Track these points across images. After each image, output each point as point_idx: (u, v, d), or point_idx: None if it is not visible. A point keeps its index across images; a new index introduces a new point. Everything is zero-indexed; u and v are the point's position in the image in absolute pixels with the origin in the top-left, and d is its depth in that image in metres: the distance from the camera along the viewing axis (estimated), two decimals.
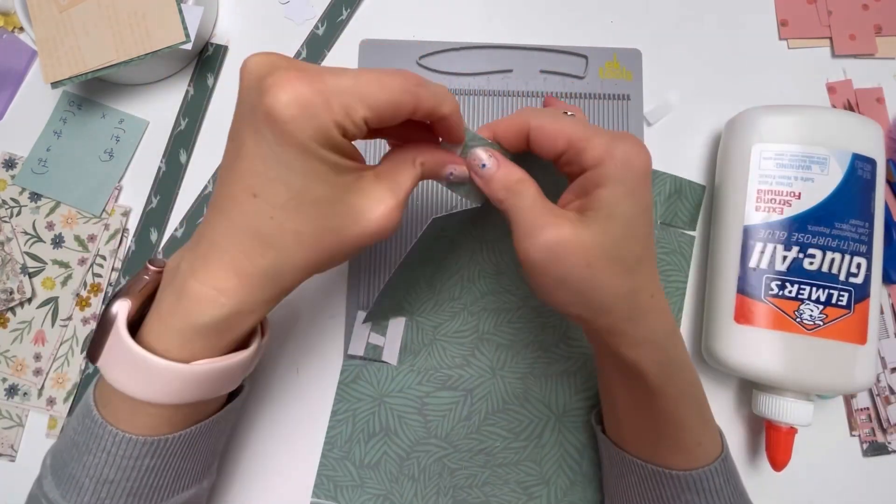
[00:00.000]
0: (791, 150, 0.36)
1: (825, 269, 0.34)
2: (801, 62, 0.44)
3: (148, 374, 0.23)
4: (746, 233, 0.36)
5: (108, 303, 0.25)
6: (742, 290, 0.36)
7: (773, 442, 0.36)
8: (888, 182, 0.42)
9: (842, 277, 0.34)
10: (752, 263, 0.36)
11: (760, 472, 0.39)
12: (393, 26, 0.44)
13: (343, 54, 0.44)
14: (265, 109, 0.21)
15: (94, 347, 0.25)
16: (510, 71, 0.43)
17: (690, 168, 0.43)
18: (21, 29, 0.44)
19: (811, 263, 0.35)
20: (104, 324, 0.24)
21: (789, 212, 0.35)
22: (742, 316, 0.35)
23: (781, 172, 0.36)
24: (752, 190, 0.36)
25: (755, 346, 0.35)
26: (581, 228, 0.25)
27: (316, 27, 0.44)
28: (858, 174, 0.35)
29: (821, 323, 0.34)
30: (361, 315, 0.39)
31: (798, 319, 0.34)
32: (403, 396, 0.38)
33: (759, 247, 0.36)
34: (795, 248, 0.35)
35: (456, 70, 0.43)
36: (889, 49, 0.44)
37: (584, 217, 0.25)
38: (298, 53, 0.44)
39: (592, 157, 0.25)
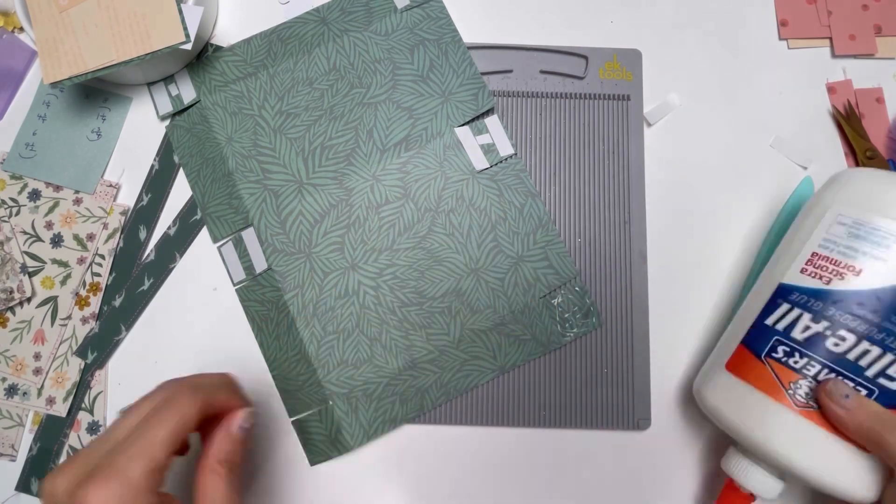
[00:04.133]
0: (876, 222, 0.31)
1: (852, 357, 0.30)
2: (801, 62, 0.44)
3: None
4: (779, 290, 0.33)
5: None
6: (746, 341, 0.33)
7: (726, 501, 0.34)
8: None
9: (870, 373, 0.29)
10: (770, 321, 0.33)
11: None
12: None
13: None
14: None
15: None
16: (510, 71, 0.43)
17: (691, 165, 0.43)
18: (21, 29, 0.44)
19: (837, 345, 0.30)
20: None
21: (838, 285, 0.31)
22: (734, 366, 0.33)
23: (850, 243, 0.31)
24: (807, 251, 0.33)
25: (736, 401, 0.32)
26: None
27: None
28: None
29: (815, 405, 0.30)
30: (222, 247, 0.41)
31: (790, 391, 0.30)
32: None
33: (784, 308, 0.32)
34: (824, 324, 0.31)
35: None
36: (889, 49, 0.44)
37: None
38: None
39: None
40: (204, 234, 0.42)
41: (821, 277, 0.32)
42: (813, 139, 0.43)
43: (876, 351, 0.29)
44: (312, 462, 0.39)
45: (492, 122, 0.42)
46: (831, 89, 0.44)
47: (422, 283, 0.40)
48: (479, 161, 0.41)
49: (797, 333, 0.31)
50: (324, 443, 0.39)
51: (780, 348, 0.32)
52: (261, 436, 0.39)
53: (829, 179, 0.35)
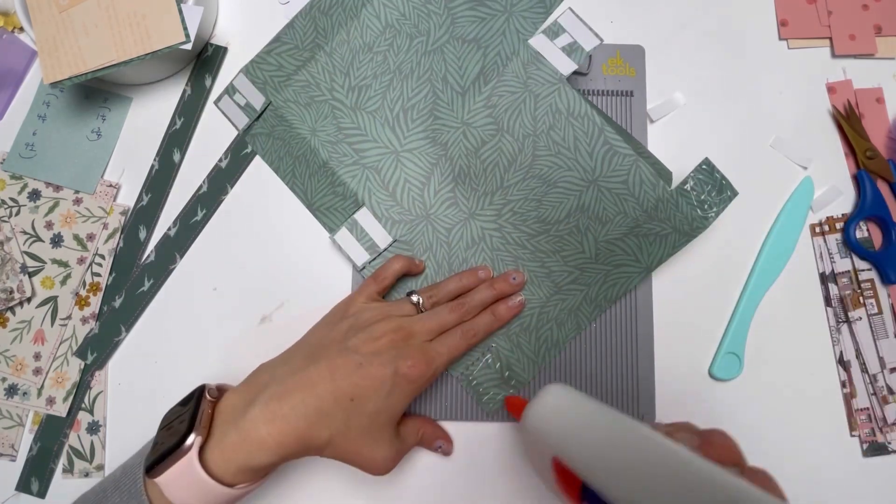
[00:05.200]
0: None
1: None
2: (801, 62, 0.44)
3: (206, 493, 0.29)
4: None
5: (183, 435, 0.30)
6: None
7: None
8: (888, 182, 0.42)
9: None
10: None
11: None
12: None
13: None
14: (405, 373, 0.33)
15: (159, 467, 0.29)
16: None
17: (691, 164, 0.43)
18: (21, 29, 0.44)
19: None
20: (178, 451, 0.29)
21: None
22: None
23: None
24: None
25: None
26: None
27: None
28: None
29: None
30: (337, 235, 0.40)
31: None
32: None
33: None
34: None
35: None
36: (889, 49, 0.44)
37: None
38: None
39: None
40: (205, 234, 0.42)
41: None
42: (813, 139, 0.43)
43: None
44: (489, 409, 0.39)
45: (566, 18, 0.37)
46: (831, 89, 0.44)
47: (542, 210, 0.39)
48: (565, 65, 0.37)
49: None
50: (498, 386, 0.39)
51: None
52: None
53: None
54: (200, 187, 0.42)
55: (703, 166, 0.37)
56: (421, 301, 0.37)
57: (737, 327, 0.40)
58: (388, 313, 0.36)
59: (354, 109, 0.41)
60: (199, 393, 0.32)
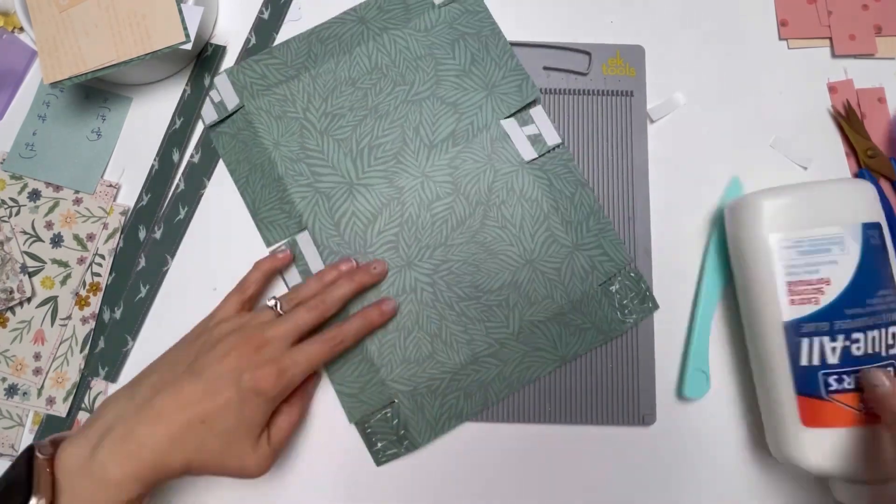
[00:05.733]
0: (809, 234, 0.34)
1: (870, 350, 0.33)
2: (801, 62, 0.44)
3: None
4: (788, 330, 0.34)
5: (23, 500, 0.28)
6: (802, 391, 0.34)
7: None
8: (889, 180, 0.42)
9: (883, 353, 0.33)
10: (804, 361, 0.33)
11: None
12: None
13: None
14: (252, 387, 0.32)
15: None
16: None
17: (691, 164, 0.43)
18: (21, 29, 0.44)
19: (858, 349, 0.33)
20: None
21: (825, 300, 0.33)
22: (810, 419, 0.33)
23: (806, 260, 0.34)
24: (782, 283, 0.34)
25: (832, 448, 0.33)
26: None
27: (261, 11, 0.45)
28: (871, 243, 0.34)
29: None
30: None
31: (864, 409, 0.33)
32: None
33: (805, 343, 0.34)
34: (841, 337, 0.33)
35: None
36: (889, 49, 0.44)
37: None
38: (248, 41, 0.44)
39: None
40: (197, 233, 0.42)
41: (809, 301, 0.34)
42: (813, 139, 0.43)
43: (877, 334, 0.33)
44: (379, 463, 0.39)
45: (537, 112, 0.42)
46: (832, 89, 0.44)
47: (478, 277, 0.40)
48: (527, 152, 0.41)
49: (831, 358, 0.33)
50: (392, 442, 0.39)
51: (831, 379, 0.33)
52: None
53: (732, 212, 0.38)
54: (178, 186, 0.42)
55: (632, 273, 0.40)
56: (279, 305, 0.36)
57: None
58: (242, 324, 0.35)
59: (323, 133, 0.41)
60: (29, 455, 0.30)
